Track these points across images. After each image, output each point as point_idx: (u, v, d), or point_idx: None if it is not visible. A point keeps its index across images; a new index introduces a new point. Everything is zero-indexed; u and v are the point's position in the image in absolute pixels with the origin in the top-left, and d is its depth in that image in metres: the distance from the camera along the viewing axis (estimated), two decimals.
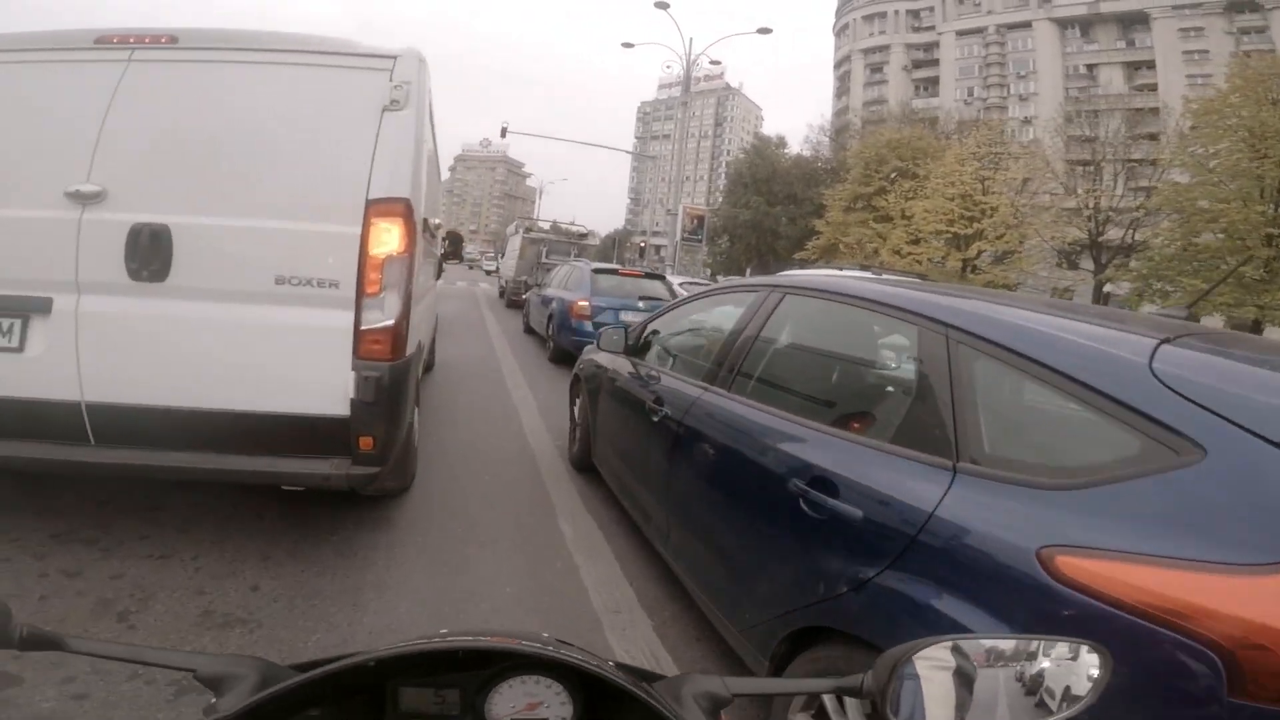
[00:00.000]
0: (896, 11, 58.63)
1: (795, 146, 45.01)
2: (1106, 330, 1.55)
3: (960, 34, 54.16)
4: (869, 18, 60.68)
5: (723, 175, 70.12)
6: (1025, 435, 1.58)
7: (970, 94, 52.18)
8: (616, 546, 3.30)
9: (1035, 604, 1.19)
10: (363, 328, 2.50)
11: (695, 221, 30.58)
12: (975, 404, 1.54)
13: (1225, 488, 1.12)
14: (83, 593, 2.33)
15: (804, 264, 28.26)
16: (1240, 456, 1.12)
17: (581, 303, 8.42)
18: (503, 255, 22.01)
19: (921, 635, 0.65)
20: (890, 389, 2.05)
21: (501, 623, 2.50)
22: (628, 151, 72.13)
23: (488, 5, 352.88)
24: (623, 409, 3.49)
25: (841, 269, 8.99)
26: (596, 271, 9.15)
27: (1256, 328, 18.66)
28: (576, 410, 4.51)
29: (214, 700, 0.59)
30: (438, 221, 5.28)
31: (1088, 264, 27.09)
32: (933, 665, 0.63)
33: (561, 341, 8.61)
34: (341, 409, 2.49)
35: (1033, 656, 0.63)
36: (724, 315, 3.03)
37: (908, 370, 1.91)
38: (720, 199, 52.11)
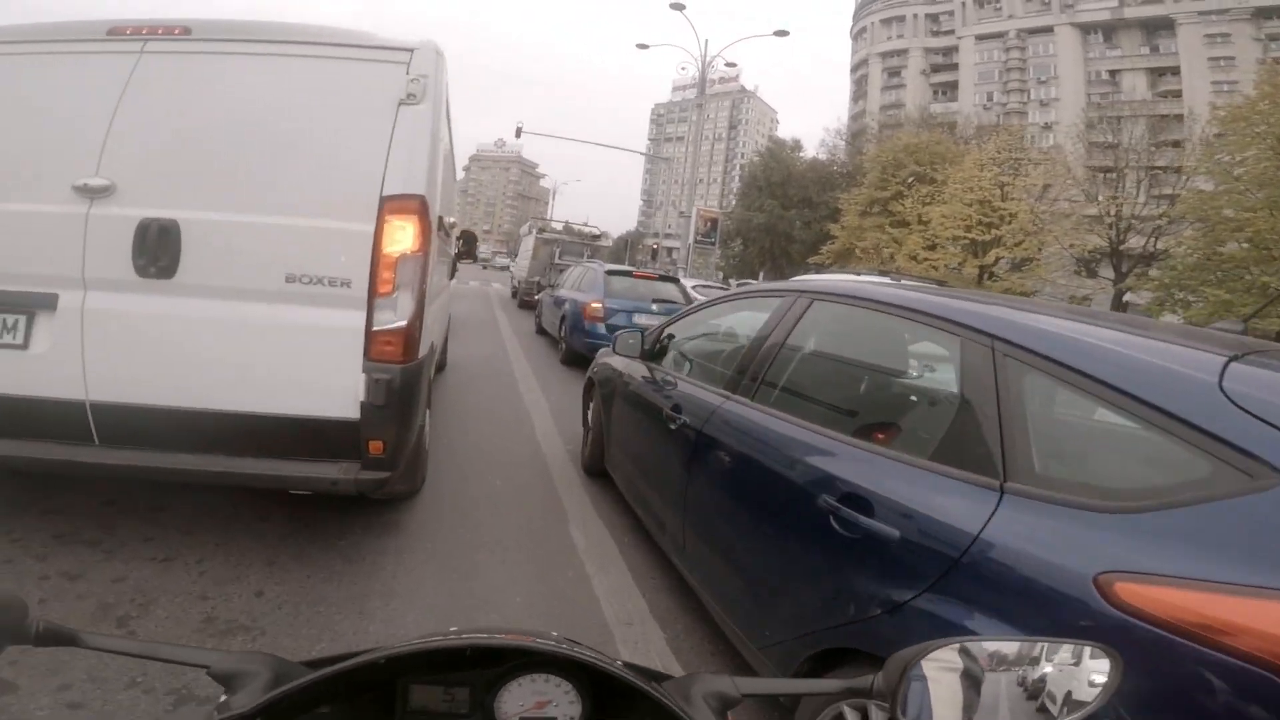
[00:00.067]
0: (915, 15, 58.30)
1: (811, 150, 44.92)
2: (1167, 345, 1.46)
3: (980, 38, 53.74)
4: (887, 21, 60.38)
5: (736, 178, 70.03)
6: (1078, 455, 1.51)
7: (989, 99, 51.75)
8: (628, 555, 3.22)
9: (1092, 632, 1.12)
10: (374, 328, 2.43)
11: (709, 224, 30.43)
12: (1024, 420, 1.46)
13: None
14: (83, 596, 2.27)
15: (820, 268, 28.11)
16: None
17: (595, 304, 8.34)
18: (516, 255, 22.04)
19: None
20: (928, 403, 1.96)
21: None
22: (641, 153, 72.15)
23: (502, 6, 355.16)
24: (638, 415, 3.41)
25: (859, 274, 8.93)
26: (610, 273, 9.07)
27: None
28: (590, 415, 4.43)
29: (225, 697, 0.59)
30: (453, 220, 5.22)
31: (1107, 272, 26.73)
32: (941, 667, 0.62)
33: (574, 343, 8.53)
34: (351, 412, 2.42)
35: (1040, 660, 0.62)
36: (745, 321, 2.94)
37: (948, 383, 1.81)
38: (734, 202, 51.97)
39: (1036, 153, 30.29)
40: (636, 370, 3.56)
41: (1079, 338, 1.50)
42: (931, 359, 2.01)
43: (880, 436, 1.86)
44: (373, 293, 2.42)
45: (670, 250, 38.01)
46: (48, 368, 2.31)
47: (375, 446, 2.44)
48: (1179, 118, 31.98)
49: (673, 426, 2.75)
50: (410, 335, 2.48)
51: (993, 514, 1.36)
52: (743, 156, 79.57)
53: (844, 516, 1.65)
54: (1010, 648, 0.63)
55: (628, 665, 0.65)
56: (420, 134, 2.52)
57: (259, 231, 2.41)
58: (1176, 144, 28.07)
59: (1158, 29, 45.14)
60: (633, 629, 2.59)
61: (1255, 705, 0.98)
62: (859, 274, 9.28)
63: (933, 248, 27.46)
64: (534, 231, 18.08)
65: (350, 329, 2.42)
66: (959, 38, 55.02)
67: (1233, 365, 1.26)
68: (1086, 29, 48.44)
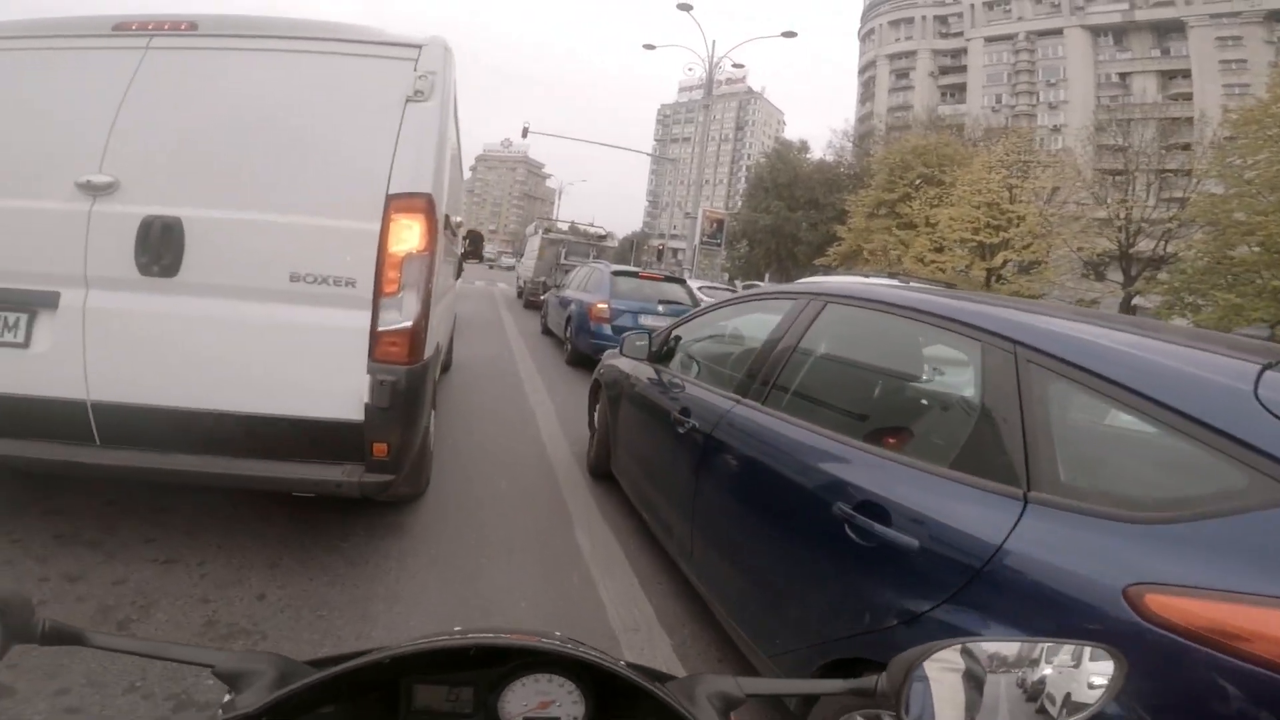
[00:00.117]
0: (924, 17, 58.13)
1: (818, 152, 44.80)
2: (1196, 352, 1.42)
3: (989, 40, 53.53)
4: (895, 23, 60.22)
5: (742, 179, 69.98)
6: (1105, 464, 1.47)
7: (998, 101, 51.55)
8: (634, 560, 3.18)
9: (1122, 646, 1.08)
10: (379, 329, 2.39)
11: (714, 225, 30.45)
12: (1048, 428, 1.43)
13: None
14: (83, 598, 2.24)
15: (826, 270, 28.02)
16: None
17: (601, 305, 8.30)
18: (521, 255, 22.05)
19: None
20: (947, 409, 1.92)
21: None
22: (647, 154, 72.28)
23: (506, 6, 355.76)
24: (645, 418, 3.36)
25: (866, 276, 8.86)
26: (616, 274, 9.03)
27: None
28: (596, 417, 4.39)
29: (231, 696, 0.59)
30: (459, 219, 5.19)
31: (1114, 275, 26.57)
32: (944, 668, 0.62)
33: (580, 344, 8.50)
34: (355, 414, 2.38)
35: (1043, 661, 0.62)
36: (755, 324, 2.89)
37: (967, 389, 1.77)
38: (740, 203, 51.92)
39: (1045, 155, 30.10)
40: (644, 372, 3.52)
41: (1105, 343, 1.47)
42: (950, 364, 1.97)
43: (897, 443, 1.82)
44: (378, 293, 2.38)
45: (675, 251, 37.99)
46: (49, 367, 2.28)
47: (379, 449, 2.41)
48: (1189, 121, 31.80)
49: (681, 430, 2.71)
50: (416, 336, 2.44)
51: (1016, 524, 1.33)
52: (749, 158, 79.51)
53: (859, 524, 1.61)
54: (1013, 648, 0.63)
55: (631, 665, 0.65)
56: (427, 132, 2.48)
57: (263, 230, 2.37)
58: (1187, 147, 27.89)
59: (1169, 31, 44.87)
60: (639, 635, 2.56)
61: None
62: (866, 276, 9.22)
63: (940, 250, 27.35)
64: (540, 232, 18.08)
65: (355, 329, 2.39)
66: (968, 40, 54.79)
67: (1268, 373, 1.23)
68: (1097, 31, 48.18)
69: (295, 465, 2.40)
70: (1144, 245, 25.58)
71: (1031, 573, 1.27)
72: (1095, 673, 0.61)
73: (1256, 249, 19.39)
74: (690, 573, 2.64)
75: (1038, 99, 50.24)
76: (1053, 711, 0.60)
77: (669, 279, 9.93)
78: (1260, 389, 1.19)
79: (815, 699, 1.64)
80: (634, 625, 2.62)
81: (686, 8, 20.61)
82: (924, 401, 2.08)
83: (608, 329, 8.04)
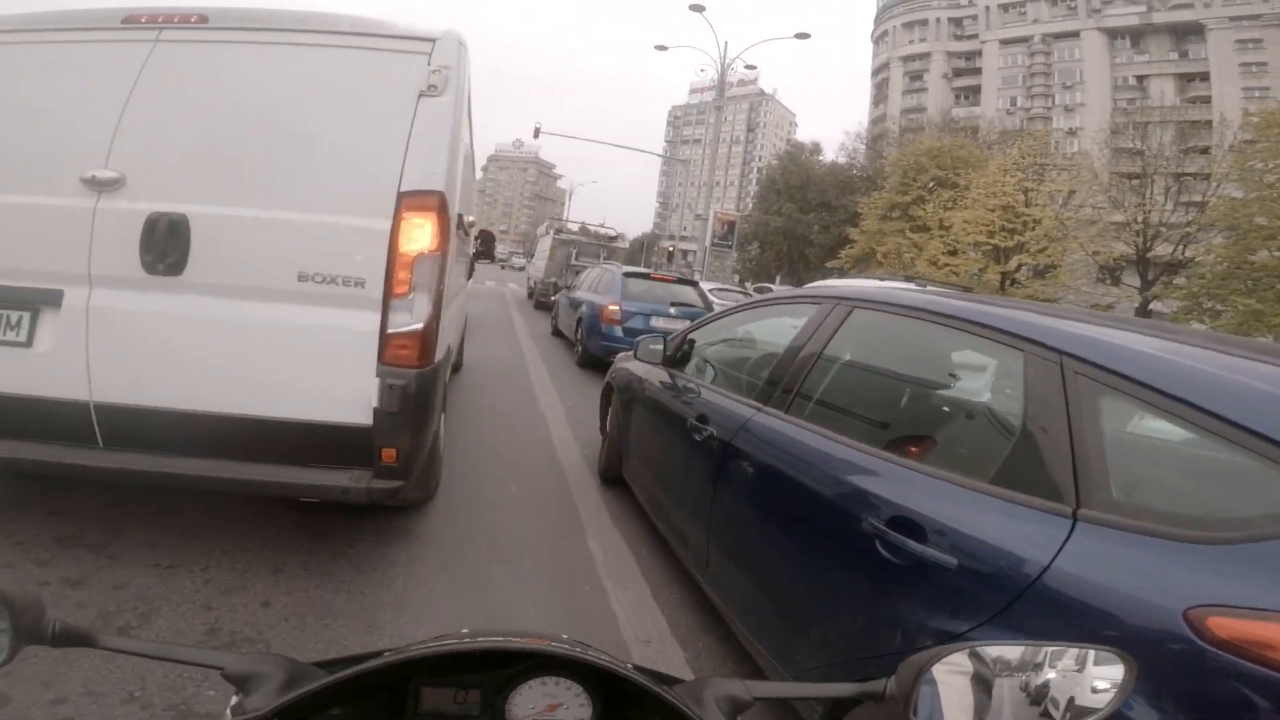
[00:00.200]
0: (938, 19, 57.81)
1: (830, 154, 44.65)
2: (1255, 364, 1.34)
3: (1004, 43, 53.16)
4: (909, 25, 59.92)
5: (754, 181, 69.85)
6: (1160, 481, 1.41)
7: (1013, 104, 51.16)
8: (647, 568, 3.11)
9: (1182, 670, 1.07)
10: (389, 331, 2.32)
11: (726, 227, 30.27)
12: (1099, 443, 1.35)
13: None
14: (83, 604, 2.18)
15: (840, 273, 27.87)
16: None
17: (612, 307, 8.22)
18: (532, 256, 22.04)
19: None
20: (985, 422, 1.83)
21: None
22: (658, 155, 72.04)
23: (519, 6, 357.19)
24: (660, 424, 3.29)
25: (881, 279, 8.76)
26: (628, 275, 8.95)
27: None
28: (608, 421, 4.31)
29: (239, 698, 0.60)
30: (472, 219, 5.12)
31: (1130, 279, 26.29)
32: (953, 671, 0.62)
33: (590, 346, 8.43)
34: (364, 418, 2.31)
35: (1052, 664, 0.62)
36: (776, 329, 2.80)
37: (1007, 401, 1.69)
38: (751, 205, 51.78)
39: (1061, 158, 29.79)
40: (658, 377, 3.44)
41: (1159, 354, 1.40)
42: (986, 373, 1.88)
43: (930, 456, 1.74)
44: (388, 293, 2.31)
45: (686, 253, 37.93)
46: (51, 367, 2.23)
47: (388, 455, 2.34)
48: (1208, 124, 31.43)
49: (698, 437, 2.63)
50: (426, 339, 2.37)
51: (1065, 543, 1.26)
52: (760, 159, 79.42)
53: (892, 541, 1.54)
54: (1023, 652, 0.63)
55: (638, 668, 0.65)
56: (441, 127, 2.41)
57: (271, 228, 2.31)
58: (1205, 150, 27.57)
59: (1187, 34, 44.39)
60: (651, 648, 2.49)
61: None
62: (881, 279, 9.13)
63: (954, 253, 27.14)
64: (551, 232, 18.07)
65: (364, 331, 2.32)
66: (982, 42, 54.42)
67: None
68: (1114, 34, 47.73)
69: (301, 470, 2.33)
70: (1161, 249, 25.29)
71: (1081, 593, 1.21)
72: (1105, 676, 0.60)
73: (1278, 254, 19.14)
74: (706, 584, 2.56)
75: (1053, 102, 49.83)
76: (1062, 715, 0.60)
77: (681, 281, 9.85)
78: None
79: (834, 708, 1.57)
80: (647, 638, 2.55)
81: (699, 9, 20.51)
82: (959, 413, 1.99)
83: (619, 331, 7.98)
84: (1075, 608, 1.21)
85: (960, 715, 0.61)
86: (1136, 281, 25.92)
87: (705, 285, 12.17)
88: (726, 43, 21.63)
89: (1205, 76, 42.60)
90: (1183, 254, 24.26)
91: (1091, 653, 0.62)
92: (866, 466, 1.78)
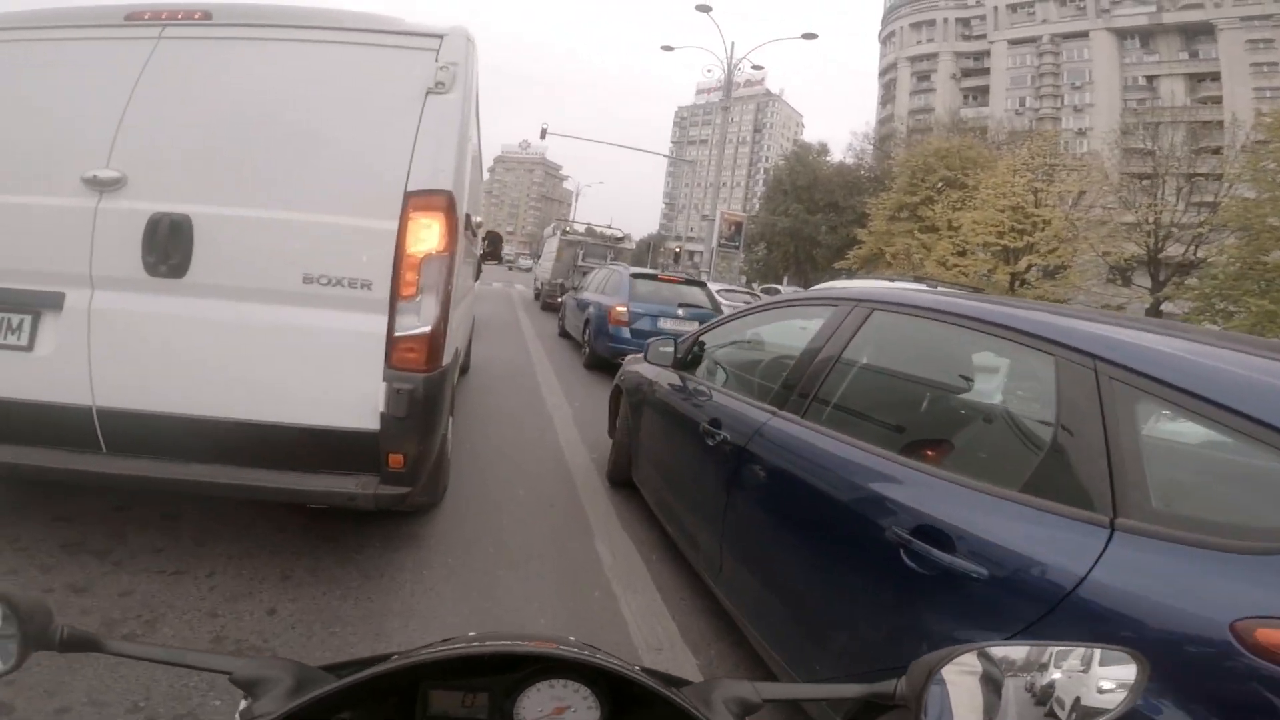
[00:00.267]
0: (945, 20, 57.52)
1: (837, 154, 44.55)
2: None
3: (1012, 43, 52.82)
4: (917, 25, 59.65)
5: (760, 182, 69.73)
6: (1201, 489, 1.38)
7: (1022, 104, 50.82)
8: (657, 573, 3.06)
9: (1230, 683, 1.05)
10: (396, 334, 2.27)
11: (733, 228, 30.23)
12: (1137, 451, 1.31)
13: None
14: (88, 611, 2.15)
15: (849, 274, 27.74)
16: None
17: (620, 308, 8.18)
18: (539, 257, 22.04)
19: None
20: (1013, 428, 1.78)
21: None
22: (664, 155, 72.13)
23: (519, 6, 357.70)
24: (671, 427, 3.24)
25: (892, 280, 8.69)
26: (635, 276, 8.91)
27: None
28: (617, 424, 4.27)
29: (248, 703, 0.60)
30: (479, 219, 5.08)
31: (1142, 280, 26.07)
32: (962, 671, 0.61)
33: (598, 348, 8.39)
34: (370, 423, 2.27)
35: (1063, 664, 0.61)
36: (791, 331, 2.75)
37: (1037, 407, 1.64)
38: (758, 206, 51.69)
39: (1071, 159, 29.59)
40: (669, 379, 3.39)
41: (1196, 358, 1.35)
42: (1013, 378, 1.83)
43: (956, 463, 1.69)
44: (395, 295, 2.27)
45: (693, 254, 37.87)
46: (53, 371, 2.19)
47: (395, 460, 2.29)
48: (1219, 124, 31.19)
49: (711, 442, 2.58)
50: (434, 342, 2.32)
51: (1102, 553, 1.23)
52: (767, 160, 79.23)
53: (917, 550, 1.50)
54: (1034, 652, 0.62)
55: (646, 670, 0.65)
56: (448, 125, 2.36)
57: (275, 228, 2.26)
58: (1217, 151, 27.35)
59: (1197, 34, 43.98)
60: (662, 655, 2.44)
61: None
62: (891, 280, 9.05)
63: (962, 254, 26.98)
64: (558, 233, 18.05)
65: (370, 334, 2.27)
66: (991, 42, 54.09)
67: None
68: (1123, 34, 47.35)
69: (307, 476, 2.28)
70: (1173, 250, 25.08)
71: (1120, 605, 1.18)
72: (1117, 676, 0.60)
73: None
74: (719, 590, 2.52)
75: (1062, 102, 49.46)
76: (1069, 715, 0.59)
77: (689, 282, 9.81)
78: None
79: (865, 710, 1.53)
80: (658, 644, 2.50)
81: (706, 9, 20.49)
82: (986, 418, 1.94)
83: (627, 332, 7.94)
84: (1113, 619, 1.18)
85: (971, 716, 0.60)
86: (1147, 282, 25.72)
87: (713, 286, 12.11)
88: (733, 43, 21.67)
89: (1216, 76, 42.22)
90: (1195, 255, 24.06)
91: (1102, 652, 0.61)
92: (889, 473, 1.73)
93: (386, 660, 0.62)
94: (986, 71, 54.32)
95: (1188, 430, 1.35)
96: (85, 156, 2.20)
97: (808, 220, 39.20)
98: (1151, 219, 25.06)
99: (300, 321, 2.26)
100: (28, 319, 2.21)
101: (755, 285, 30.70)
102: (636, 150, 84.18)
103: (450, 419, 3.07)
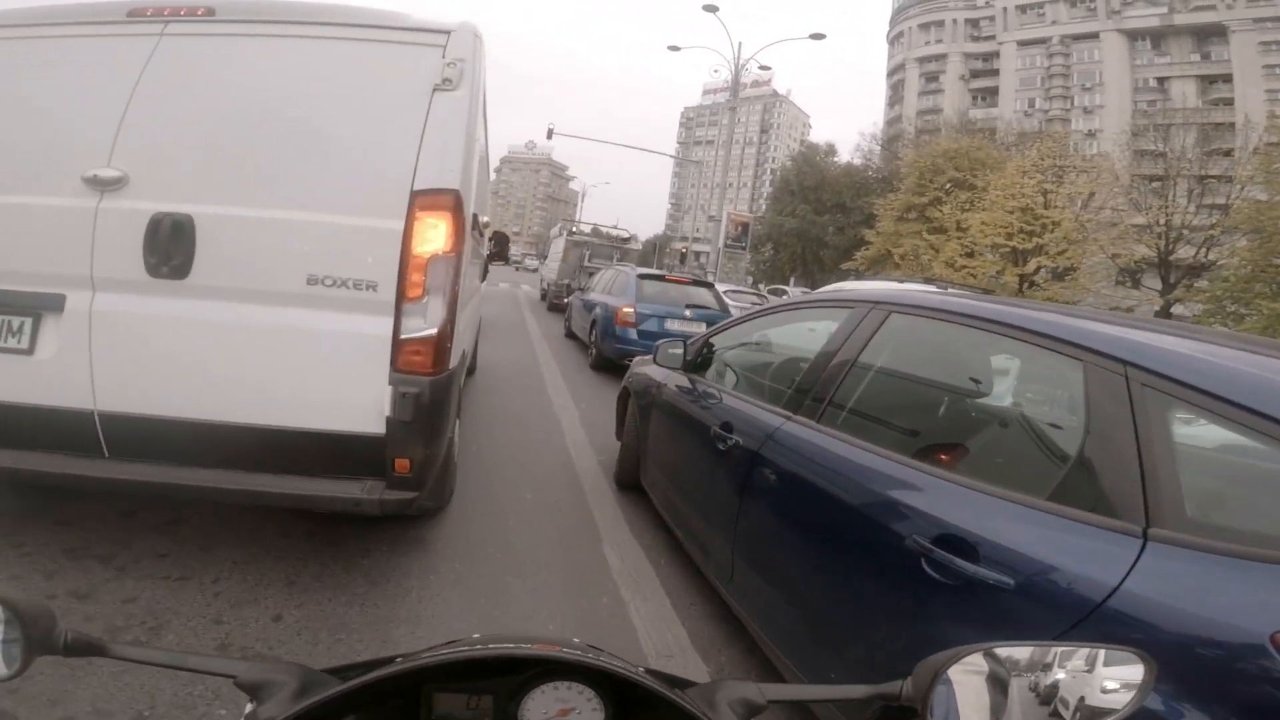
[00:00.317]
0: (954, 20, 57.35)
1: (845, 155, 44.40)
2: None
3: (1022, 44, 52.61)
4: (925, 26, 59.49)
5: (767, 182, 69.62)
6: (1238, 499, 1.34)
7: (1031, 105, 50.61)
8: (666, 578, 3.02)
9: (1270, 697, 1.02)
10: (402, 336, 2.23)
11: (739, 228, 30.12)
12: (1170, 459, 1.27)
13: None
14: (91, 618, 2.12)
15: (857, 275, 27.63)
16: None
17: (626, 309, 8.14)
18: (545, 258, 22.04)
19: None
20: (1041, 435, 1.73)
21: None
22: (671, 156, 71.99)
23: (519, 6, 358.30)
24: (681, 431, 3.19)
25: (901, 281, 8.63)
26: (642, 277, 8.87)
27: None
28: (624, 426, 4.23)
29: (253, 707, 0.60)
30: (486, 219, 5.04)
31: (1150, 282, 25.89)
32: (969, 672, 0.61)
33: (605, 349, 8.34)
34: (376, 427, 2.22)
35: (1069, 665, 0.61)
36: (805, 334, 2.70)
37: (1065, 413, 1.59)
38: (765, 206, 51.60)
39: (1081, 160, 29.40)
40: (678, 382, 3.34)
41: (1230, 365, 1.31)
42: (1038, 383, 1.78)
43: (979, 470, 1.64)
44: (401, 297, 2.22)
45: (699, 255, 37.82)
46: (54, 374, 2.16)
47: (401, 465, 2.25)
48: (1231, 126, 30.95)
49: (722, 446, 2.53)
50: (441, 344, 2.28)
51: (1135, 563, 1.20)
52: (774, 161, 79.12)
53: (939, 560, 1.46)
54: (1040, 652, 0.62)
55: (651, 672, 0.65)
56: (455, 123, 2.32)
57: (279, 228, 2.23)
58: (1229, 153, 27.14)
59: (1209, 36, 43.69)
60: (673, 661, 2.40)
61: None
62: (900, 281, 8.98)
63: (971, 255, 26.84)
64: (564, 234, 18.04)
65: (376, 336, 2.23)
66: (1000, 43, 53.88)
67: None
68: (1134, 35, 47.09)
69: (312, 481, 2.25)
70: (1184, 252, 24.90)
71: (1154, 616, 1.15)
72: (1124, 676, 0.60)
73: None
74: (730, 597, 2.47)
75: (1072, 103, 49.21)
76: (1074, 715, 0.59)
77: (696, 283, 9.77)
78: None
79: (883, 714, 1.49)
80: (668, 651, 2.46)
81: (713, 9, 20.43)
82: (1009, 425, 1.89)
83: (634, 334, 7.90)
84: (1147, 630, 1.15)
85: (977, 716, 0.60)
86: (1157, 284, 25.54)
87: (720, 287, 12.06)
88: (740, 43, 21.57)
89: (1228, 78, 41.93)
90: (1205, 257, 23.89)
91: (1108, 653, 0.61)
92: (908, 480, 1.68)
93: (391, 663, 0.62)
94: (995, 73, 54.11)
95: (1223, 437, 1.31)
96: (86, 155, 2.17)
97: (815, 221, 39.11)
98: (1162, 221, 24.89)
99: (304, 324, 2.23)
100: (28, 321, 2.17)
101: (762, 286, 30.63)
102: (643, 151, 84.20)
103: (457, 422, 3.04)
